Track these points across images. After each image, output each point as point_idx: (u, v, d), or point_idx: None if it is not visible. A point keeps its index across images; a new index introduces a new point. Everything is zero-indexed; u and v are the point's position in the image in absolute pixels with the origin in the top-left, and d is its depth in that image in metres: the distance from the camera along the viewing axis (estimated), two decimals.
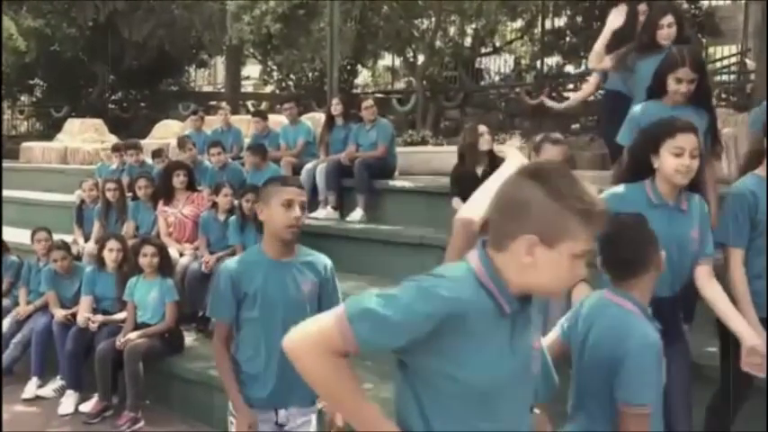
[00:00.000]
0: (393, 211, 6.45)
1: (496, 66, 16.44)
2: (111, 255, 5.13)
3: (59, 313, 5.15)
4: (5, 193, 9.82)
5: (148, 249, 4.91)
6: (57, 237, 7.08)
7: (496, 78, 16.36)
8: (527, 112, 14.01)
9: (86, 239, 6.62)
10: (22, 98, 20.68)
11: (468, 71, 15.64)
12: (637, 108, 3.61)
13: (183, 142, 7.36)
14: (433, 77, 15.04)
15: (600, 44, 4.64)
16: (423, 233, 5.46)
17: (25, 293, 5.69)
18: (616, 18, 4.62)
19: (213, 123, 9.02)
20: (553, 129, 13.40)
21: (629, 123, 3.55)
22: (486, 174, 5.05)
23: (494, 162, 5.10)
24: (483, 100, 15.18)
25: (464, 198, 4.98)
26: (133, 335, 4.70)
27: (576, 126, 13.89)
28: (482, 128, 5.09)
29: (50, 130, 17.00)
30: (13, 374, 5.36)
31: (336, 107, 7.32)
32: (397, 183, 6.53)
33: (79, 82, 19.48)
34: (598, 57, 4.65)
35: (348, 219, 6.33)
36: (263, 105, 17.46)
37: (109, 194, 6.46)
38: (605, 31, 4.64)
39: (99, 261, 5.23)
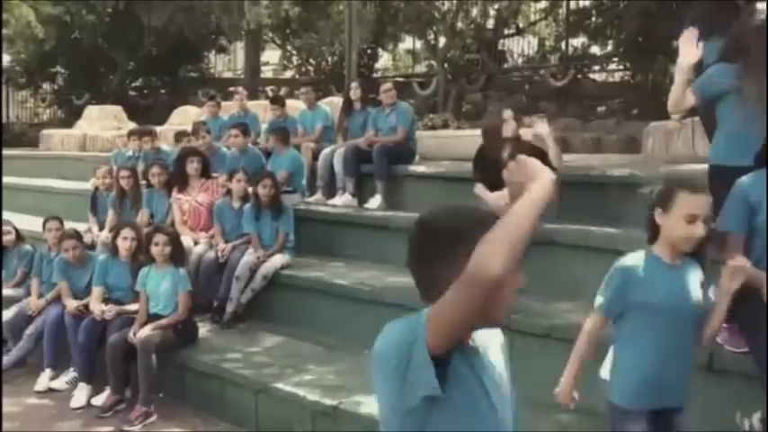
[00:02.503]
0: (413, 197, 6.24)
1: (519, 47, 16.07)
2: (124, 243, 5.00)
3: (71, 304, 5.04)
4: (23, 180, 9.82)
5: (160, 238, 4.77)
6: (72, 225, 7.04)
7: (519, 60, 16.00)
8: (551, 95, 13.69)
9: (101, 228, 6.52)
10: (44, 86, 20.72)
11: (490, 53, 15.31)
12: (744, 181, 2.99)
13: (196, 129, 7.22)
14: (454, 60, 14.74)
15: (679, 89, 3.43)
16: None
17: (37, 284, 5.59)
18: (689, 50, 3.39)
19: (231, 109, 8.87)
20: (578, 112, 13.15)
21: (738, 203, 2.96)
22: (512, 159, 4.83)
23: (519, 147, 4.86)
24: (506, 83, 14.86)
25: (487, 183, 4.80)
26: (146, 327, 4.56)
27: (601, 109, 13.56)
28: (507, 113, 4.82)
29: (72, 117, 17.02)
30: (27, 366, 5.28)
31: (355, 91, 7.12)
32: (418, 168, 6.33)
33: (99, 69, 19.46)
34: (677, 101, 3.48)
35: (367, 206, 6.13)
36: (283, 91, 17.29)
37: (122, 182, 6.34)
38: (680, 71, 3.44)
39: (113, 249, 5.11)
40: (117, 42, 18.10)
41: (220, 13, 15.82)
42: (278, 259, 5.35)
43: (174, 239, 4.88)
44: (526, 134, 5.11)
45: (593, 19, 13.60)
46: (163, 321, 4.64)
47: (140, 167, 6.93)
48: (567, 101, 13.48)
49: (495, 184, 4.69)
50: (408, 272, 4.93)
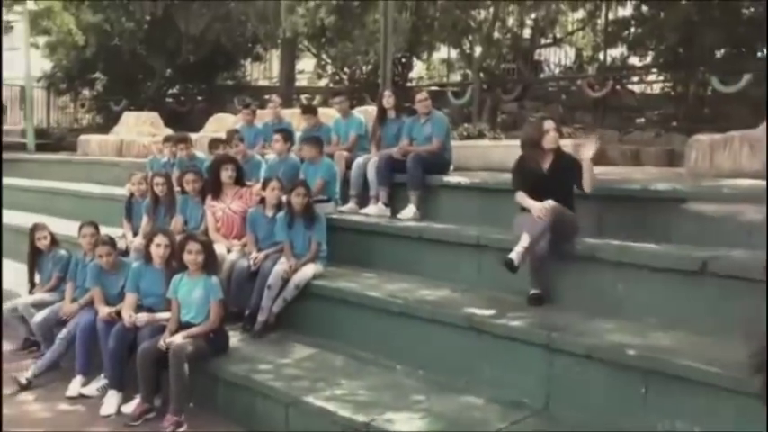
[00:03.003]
0: (447, 208, 6.13)
1: (556, 57, 15.87)
2: (158, 250, 4.98)
3: (103, 311, 5.04)
4: (62, 185, 9.95)
5: (193, 246, 4.73)
6: (107, 230, 7.08)
7: (556, 70, 15.80)
8: (588, 106, 13.48)
9: (135, 234, 6.53)
10: (84, 92, 21.09)
11: (526, 63, 15.15)
12: None
13: (230, 136, 7.22)
14: (489, 69, 14.62)
15: None
16: (480, 233, 5.13)
17: (72, 288, 5.62)
18: None
19: (265, 117, 8.87)
20: (616, 124, 12.92)
21: None
22: (553, 171, 4.71)
23: (559, 159, 4.74)
24: (542, 93, 14.68)
25: (529, 195, 4.67)
26: (177, 336, 4.53)
27: (640, 121, 13.30)
28: (548, 124, 4.68)
29: (110, 123, 17.25)
30: (60, 370, 5.29)
31: (388, 100, 7.03)
32: (452, 178, 6.21)
33: (138, 76, 19.75)
34: None
35: (400, 216, 6.03)
36: (317, 99, 17.33)
37: (157, 189, 6.36)
38: None
39: (146, 256, 5.10)
40: (155, 50, 18.35)
41: (257, 21, 15.95)
42: (310, 269, 5.29)
43: (207, 247, 4.84)
44: (566, 146, 4.98)
45: (633, 29, 13.34)
46: (194, 330, 4.60)
47: (175, 174, 6.94)
48: (604, 112, 13.27)
49: (535, 194, 4.57)
50: (446, 286, 4.85)
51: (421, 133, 6.63)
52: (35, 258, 6.10)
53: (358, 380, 4.28)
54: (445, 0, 13.51)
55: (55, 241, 6.11)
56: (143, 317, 4.81)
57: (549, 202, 4.43)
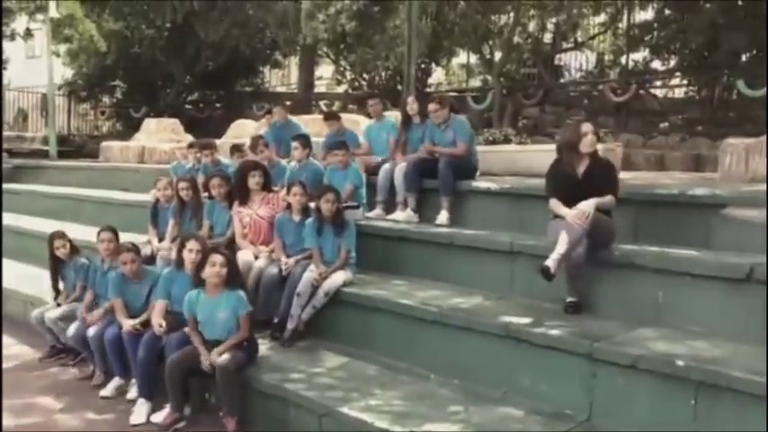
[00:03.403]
0: (476, 214, 6.03)
1: (577, 62, 15.74)
2: (190, 255, 4.86)
3: (127, 324, 4.95)
4: (86, 192, 9.96)
5: (217, 259, 4.56)
6: (131, 237, 7.05)
7: (577, 75, 15.67)
8: (611, 110, 13.33)
9: (160, 240, 6.49)
10: (104, 99, 21.24)
11: (546, 68, 15.02)
12: None
13: (255, 142, 7.17)
14: (510, 74, 14.51)
15: None
16: (512, 239, 5.03)
17: (91, 297, 5.58)
18: None
19: (261, 128, 8.84)
20: (639, 128, 12.76)
21: None
22: (588, 176, 4.60)
23: (595, 163, 4.63)
24: (563, 97, 14.55)
25: (562, 199, 4.57)
26: (215, 353, 4.42)
27: (664, 125, 13.12)
28: (586, 127, 4.59)
29: (130, 129, 17.36)
30: (87, 379, 5.27)
31: (412, 106, 6.91)
32: (481, 184, 6.11)
33: (157, 83, 19.88)
34: None
35: (437, 222, 5.93)
36: (336, 105, 17.30)
37: (182, 193, 6.30)
38: None
39: (178, 262, 5.00)
40: (174, 56, 18.45)
41: (276, 27, 15.97)
42: (340, 276, 5.20)
43: (230, 261, 4.72)
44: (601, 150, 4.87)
45: (656, 33, 13.18)
46: (229, 343, 4.48)
47: (200, 179, 6.91)
48: (627, 116, 13.11)
49: (569, 199, 4.47)
50: (479, 294, 4.73)
51: (443, 139, 6.52)
52: (57, 267, 6.01)
53: (392, 390, 4.18)
54: (465, 6, 13.42)
55: (75, 249, 6.01)
56: (163, 330, 4.75)
57: (584, 205, 4.32)
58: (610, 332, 3.95)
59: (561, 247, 4.20)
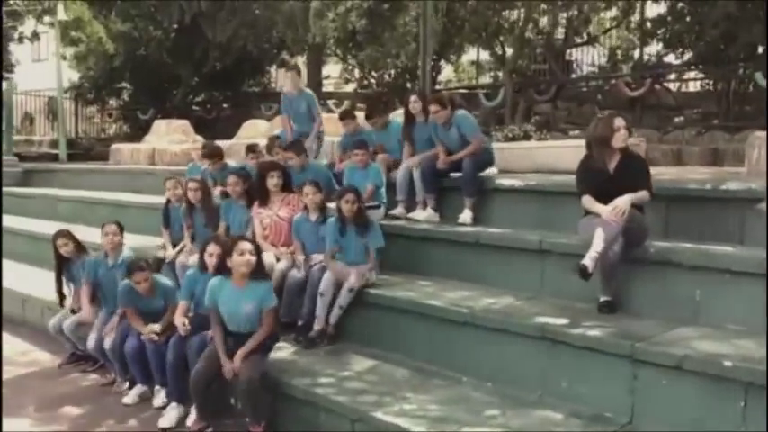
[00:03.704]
0: (500, 212, 5.91)
1: (588, 57, 15.59)
2: (211, 260, 4.75)
3: (145, 330, 4.87)
4: (98, 194, 9.89)
5: (245, 246, 4.40)
6: (146, 238, 6.97)
7: (589, 70, 15.52)
8: (624, 105, 13.17)
9: (174, 242, 6.38)
10: (111, 102, 21.18)
11: (558, 63, 14.88)
12: None
13: (272, 143, 7.04)
14: (521, 70, 14.37)
15: None
16: (541, 237, 4.92)
17: (88, 291, 5.48)
18: None
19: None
20: (654, 122, 12.61)
21: None
22: (620, 172, 4.49)
23: (627, 159, 4.52)
24: (576, 93, 14.41)
25: (593, 195, 4.46)
26: (237, 360, 4.27)
27: (679, 119, 12.98)
28: (618, 121, 4.48)
29: (137, 132, 17.30)
30: (112, 384, 5.20)
31: (414, 105, 6.64)
32: (505, 181, 5.99)
33: (164, 84, 19.80)
34: None
35: (460, 221, 5.81)
36: (345, 104, 17.18)
37: (190, 195, 6.16)
38: None
39: (201, 264, 4.83)
40: (182, 58, 18.37)
41: (284, 27, 15.86)
42: (364, 268, 5.06)
43: (257, 249, 4.57)
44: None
45: (669, 26, 13.03)
46: (249, 345, 4.32)
47: (210, 182, 6.84)
48: (642, 111, 12.96)
49: (601, 196, 4.36)
50: (508, 294, 4.62)
51: (449, 138, 6.31)
52: (62, 267, 5.83)
53: (424, 393, 4.08)
54: (476, 2, 13.29)
55: (82, 248, 5.84)
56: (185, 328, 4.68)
57: (620, 201, 4.22)
58: (649, 332, 3.84)
59: (598, 245, 4.09)
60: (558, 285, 4.71)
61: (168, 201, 6.66)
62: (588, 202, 4.43)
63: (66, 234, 5.84)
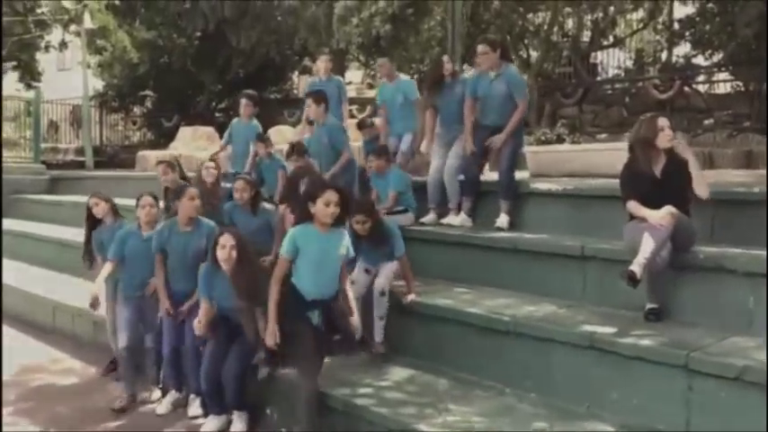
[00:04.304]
0: (536, 217, 5.77)
1: (615, 59, 15.39)
2: (223, 253, 4.37)
3: (165, 304, 4.77)
4: (125, 201, 9.86)
5: (332, 198, 4.06)
6: None
7: (616, 72, 15.32)
8: (653, 108, 12.96)
9: None
10: (135, 109, 21.31)
11: (583, 65, 14.69)
12: None
13: (299, 149, 6.96)
14: (546, 73, 14.20)
15: None
16: (582, 242, 4.78)
17: (114, 265, 5.08)
18: None
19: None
20: (683, 125, 12.38)
21: None
22: (666, 174, 4.35)
23: (671, 161, 4.38)
24: (602, 95, 14.21)
25: (639, 200, 4.32)
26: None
27: (709, 122, 12.73)
28: (662, 121, 4.35)
29: (161, 139, 17.38)
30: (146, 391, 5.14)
31: (447, 66, 6.30)
32: (541, 185, 5.86)
33: (187, 92, 19.87)
34: None
35: (497, 225, 5.67)
36: (368, 110, 17.10)
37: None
38: None
39: (213, 258, 4.49)
40: (205, 65, 18.43)
41: (307, 33, 15.83)
42: (389, 269, 4.89)
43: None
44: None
45: (699, 27, 12.81)
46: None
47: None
48: (671, 114, 12.74)
49: (647, 200, 4.23)
50: (549, 302, 4.46)
51: (492, 91, 5.69)
52: (93, 229, 5.56)
53: (467, 405, 3.96)
54: (501, 4, 13.18)
55: (117, 212, 5.60)
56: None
57: (670, 208, 4.09)
58: (702, 341, 3.69)
59: (646, 250, 3.94)
60: (600, 292, 4.58)
61: (167, 189, 6.34)
62: (634, 206, 4.29)
63: (99, 194, 5.66)
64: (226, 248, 4.36)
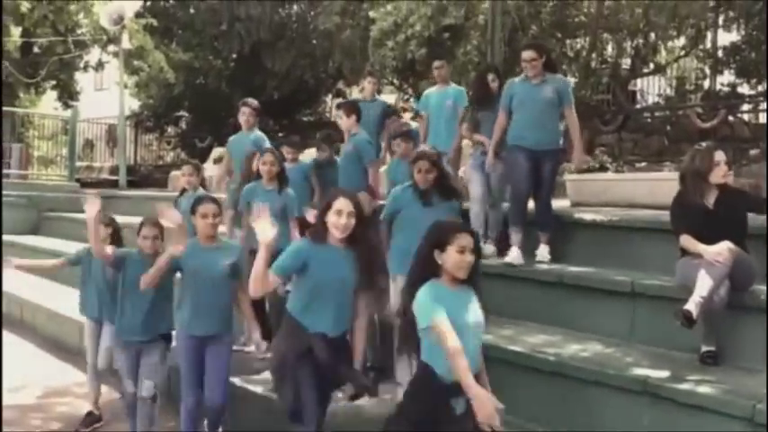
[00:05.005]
0: (579, 249, 5.53)
1: (654, 87, 15.04)
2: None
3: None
4: None
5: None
6: None
7: (656, 100, 14.96)
8: (695, 137, 12.60)
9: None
10: (169, 129, 21.49)
11: (623, 92, 14.38)
12: None
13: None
14: (584, 100, 13.90)
15: None
16: (632, 278, 4.52)
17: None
18: None
19: None
20: (730, 157, 12.00)
21: None
22: (721, 206, 4.09)
23: (726, 192, 4.13)
24: (642, 123, 13.86)
25: (694, 235, 4.06)
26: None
27: (755, 152, 12.31)
28: (719, 155, 4.11)
29: (194, 159, 17.39)
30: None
31: (493, 84, 5.93)
32: (585, 215, 5.62)
33: (221, 113, 19.98)
34: None
35: (538, 258, 5.40)
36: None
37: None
38: None
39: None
40: (240, 87, 18.50)
41: (342, 56, 15.81)
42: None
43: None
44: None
45: (743, 55, 12.47)
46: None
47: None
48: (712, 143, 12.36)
49: (701, 234, 3.97)
50: (595, 340, 4.15)
51: (536, 98, 5.19)
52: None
53: None
54: (538, 29, 12.99)
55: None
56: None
57: (729, 243, 3.83)
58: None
59: (703, 288, 3.69)
60: (650, 331, 4.32)
61: (183, 190, 6.44)
62: (688, 241, 4.03)
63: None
64: (343, 214, 3.62)
